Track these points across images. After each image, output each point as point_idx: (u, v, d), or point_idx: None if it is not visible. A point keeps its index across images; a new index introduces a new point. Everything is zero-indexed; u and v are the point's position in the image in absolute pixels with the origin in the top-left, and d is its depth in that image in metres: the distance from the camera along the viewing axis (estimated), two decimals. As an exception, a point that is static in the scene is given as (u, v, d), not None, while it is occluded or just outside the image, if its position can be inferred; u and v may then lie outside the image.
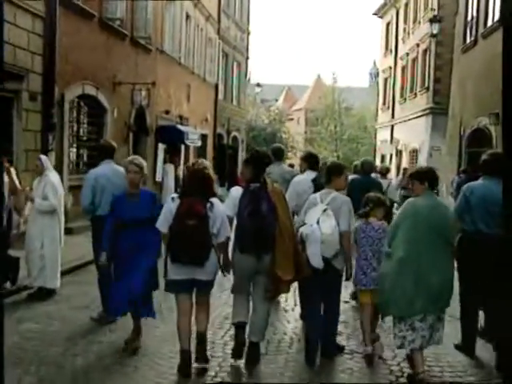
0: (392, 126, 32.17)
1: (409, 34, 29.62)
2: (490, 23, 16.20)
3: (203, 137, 24.52)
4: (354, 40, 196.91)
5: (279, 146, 9.09)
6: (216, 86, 27.15)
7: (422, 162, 25.22)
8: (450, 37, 24.77)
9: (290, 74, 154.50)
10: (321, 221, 5.23)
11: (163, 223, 5.02)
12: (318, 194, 5.65)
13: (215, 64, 26.56)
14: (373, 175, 9.52)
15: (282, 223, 5.10)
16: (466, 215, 5.69)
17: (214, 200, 5.04)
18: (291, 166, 15.02)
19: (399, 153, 30.68)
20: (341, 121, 51.11)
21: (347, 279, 5.62)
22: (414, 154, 27.95)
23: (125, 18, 15.66)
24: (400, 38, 31.30)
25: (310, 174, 7.17)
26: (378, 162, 32.35)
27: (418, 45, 27.60)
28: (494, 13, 15.94)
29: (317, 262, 5.16)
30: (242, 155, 32.26)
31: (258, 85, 33.27)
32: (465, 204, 5.68)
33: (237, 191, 5.29)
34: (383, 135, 33.84)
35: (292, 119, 56.42)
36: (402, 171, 24.05)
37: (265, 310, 5.42)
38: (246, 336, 5.42)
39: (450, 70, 24.66)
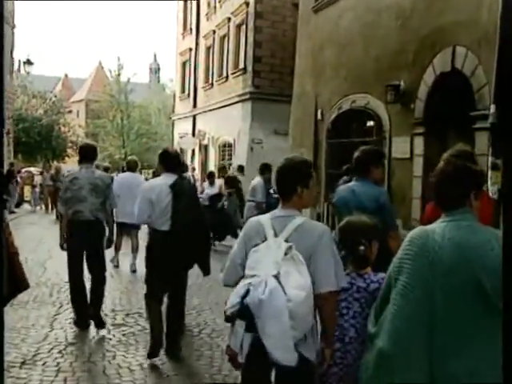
0: (194, 117, 26.60)
1: (215, 8, 24.24)
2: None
3: None
4: (136, 30, 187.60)
5: (89, 143, 7.21)
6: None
7: (241, 157, 20.01)
8: (270, 7, 20.18)
9: (65, 66, 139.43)
10: (283, 274, 2.71)
11: None
12: (265, 219, 3.04)
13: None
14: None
15: None
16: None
17: None
18: (106, 169, 11.72)
19: (204, 148, 25.25)
20: (128, 113, 44.39)
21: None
22: (227, 148, 22.68)
23: None
24: (203, 14, 25.79)
25: (168, 178, 5.41)
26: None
27: (229, 19, 22.31)
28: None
29: (284, 354, 2.67)
30: (8, 150, 24.12)
31: (29, 62, 25.08)
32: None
33: None
34: (183, 128, 28.07)
35: (71, 111, 48.15)
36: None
37: None
38: None
39: (271, 47, 20.12)
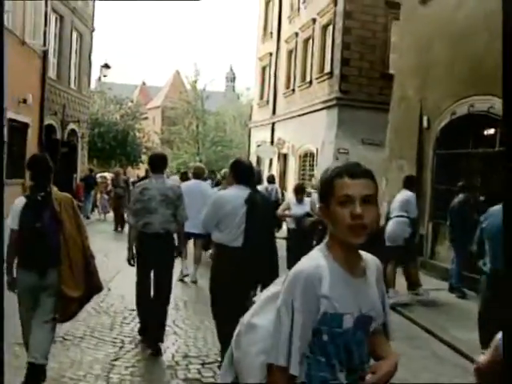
0: (273, 125, 25.22)
1: (299, 10, 22.82)
2: None
3: (23, 126, 16.40)
4: (213, 40, 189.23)
5: (159, 152, 7.20)
6: (44, 56, 18.31)
7: (324, 168, 18.35)
8: (361, 6, 18.51)
9: (143, 75, 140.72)
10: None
11: None
12: None
13: (41, 23, 17.72)
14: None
15: (68, 235, 4.48)
16: (484, 252, 4.32)
17: None
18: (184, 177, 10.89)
19: (283, 157, 23.79)
20: (204, 120, 43.67)
21: None
22: (308, 157, 21.12)
23: None
24: (286, 16, 24.42)
25: (242, 191, 4.98)
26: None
27: (314, 20, 20.81)
28: None
29: None
30: (82, 155, 23.53)
31: (107, 66, 24.58)
32: (480, 237, 4.26)
33: (20, 201, 4.53)
34: (260, 136, 26.76)
35: (147, 118, 47.98)
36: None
37: (46, 333, 4.47)
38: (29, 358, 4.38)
39: (360, 49, 18.44)
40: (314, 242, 9.15)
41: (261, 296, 2.21)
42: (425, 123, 11.04)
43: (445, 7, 10.48)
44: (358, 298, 1.97)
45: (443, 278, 9.72)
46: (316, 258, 1.98)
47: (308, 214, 9.41)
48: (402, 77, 12.24)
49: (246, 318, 2.14)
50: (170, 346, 5.80)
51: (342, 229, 1.92)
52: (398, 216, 8.51)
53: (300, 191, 9.72)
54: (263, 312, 2.09)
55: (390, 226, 8.54)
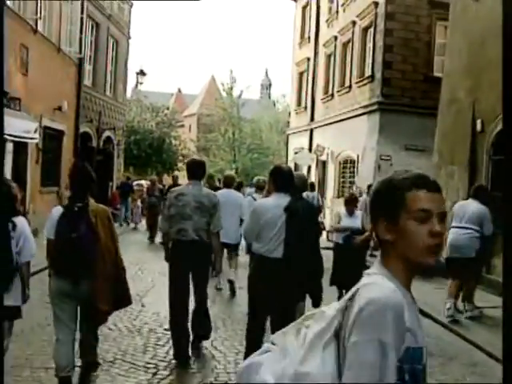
0: (311, 131, 24.61)
1: (337, 13, 22.20)
2: None
3: (58, 134, 16.14)
4: (248, 47, 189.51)
5: (197, 159, 6.68)
6: (80, 63, 18.12)
7: (366, 175, 17.68)
8: (403, 7, 17.80)
9: (179, 83, 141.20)
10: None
11: None
12: None
13: (77, 30, 17.52)
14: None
15: (104, 246, 4.52)
16: None
17: (18, 220, 4.30)
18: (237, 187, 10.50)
19: (322, 164, 23.15)
20: (240, 127, 43.35)
21: None
22: (348, 164, 20.44)
23: None
24: (324, 20, 23.83)
25: (282, 199, 4.84)
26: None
27: (354, 23, 20.16)
28: None
29: None
30: (117, 162, 23.30)
31: (142, 72, 24.38)
32: None
33: (57, 211, 4.55)
34: (298, 142, 26.18)
35: (183, 126, 47.93)
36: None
37: (89, 335, 4.78)
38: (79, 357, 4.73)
39: (403, 51, 17.71)
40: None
41: (293, 338, 1.77)
42: (478, 127, 10.30)
43: (500, 1, 9.76)
44: (421, 327, 1.73)
45: (501, 294, 8.94)
46: (385, 283, 1.63)
47: (358, 230, 8.34)
48: (451, 78, 11.50)
49: (290, 369, 1.70)
50: (209, 374, 5.25)
51: (417, 248, 1.64)
52: (465, 227, 7.82)
53: (351, 202, 8.70)
54: (311, 357, 1.69)
55: (457, 236, 7.85)
